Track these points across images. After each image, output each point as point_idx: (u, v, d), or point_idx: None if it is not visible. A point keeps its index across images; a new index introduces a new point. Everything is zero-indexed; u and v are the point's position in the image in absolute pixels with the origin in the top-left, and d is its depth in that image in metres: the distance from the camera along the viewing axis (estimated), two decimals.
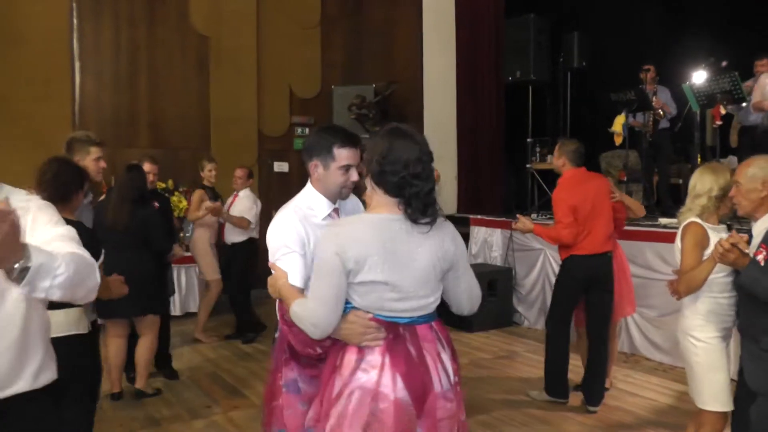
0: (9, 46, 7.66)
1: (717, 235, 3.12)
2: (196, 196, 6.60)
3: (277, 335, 2.53)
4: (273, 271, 2.34)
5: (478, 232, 8.39)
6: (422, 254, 2.13)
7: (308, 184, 2.55)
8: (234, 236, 6.69)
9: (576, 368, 5.11)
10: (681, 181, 8.07)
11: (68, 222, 2.05)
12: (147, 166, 5.30)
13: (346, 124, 9.55)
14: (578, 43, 8.87)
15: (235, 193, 6.81)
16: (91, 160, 3.62)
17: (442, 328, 2.25)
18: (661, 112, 7.47)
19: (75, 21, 8.21)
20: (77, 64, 8.24)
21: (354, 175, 2.45)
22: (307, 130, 9.84)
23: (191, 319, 7.20)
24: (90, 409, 3.38)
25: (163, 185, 7.81)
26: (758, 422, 2.78)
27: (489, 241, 8.16)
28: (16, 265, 1.56)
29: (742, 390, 2.96)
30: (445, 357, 2.19)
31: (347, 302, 2.13)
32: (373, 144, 2.19)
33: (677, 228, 3.36)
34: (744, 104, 6.63)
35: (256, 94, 9.38)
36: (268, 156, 9.46)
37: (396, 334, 2.12)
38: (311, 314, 2.09)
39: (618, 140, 7.97)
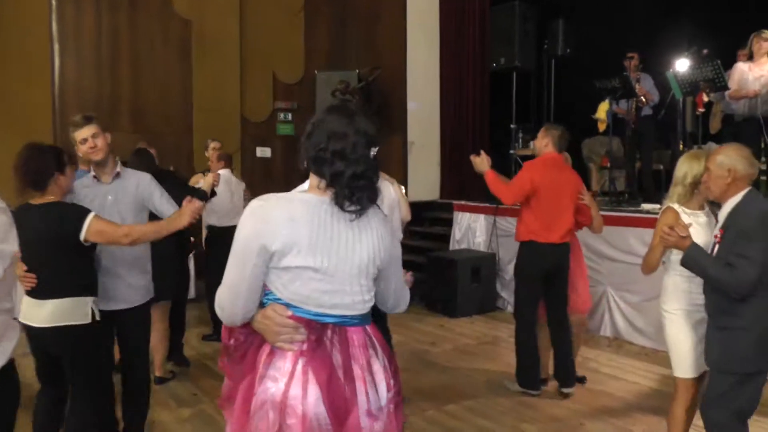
0: None
1: (694, 219, 3.27)
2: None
3: None
4: None
5: (461, 218, 8.42)
6: (361, 246, 1.91)
7: None
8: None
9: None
10: (662, 167, 8.15)
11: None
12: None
13: None
14: (563, 31, 8.87)
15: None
16: (78, 144, 3.57)
17: (377, 333, 2.02)
18: (644, 99, 7.52)
19: (54, 3, 8.08)
20: (56, 48, 8.12)
21: None
22: (290, 116, 9.79)
23: None
24: (100, 400, 3.40)
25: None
26: (707, 393, 3.06)
27: (473, 227, 8.20)
28: None
29: None
30: (378, 368, 1.94)
31: (268, 292, 1.91)
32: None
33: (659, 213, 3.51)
34: (727, 93, 6.69)
35: (239, 80, 9.32)
36: (251, 141, 9.42)
37: (319, 336, 1.87)
38: (218, 296, 1.90)
39: (602, 127, 8.02)
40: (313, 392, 1.81)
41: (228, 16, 9.17)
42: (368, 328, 1.98)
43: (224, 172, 6.40)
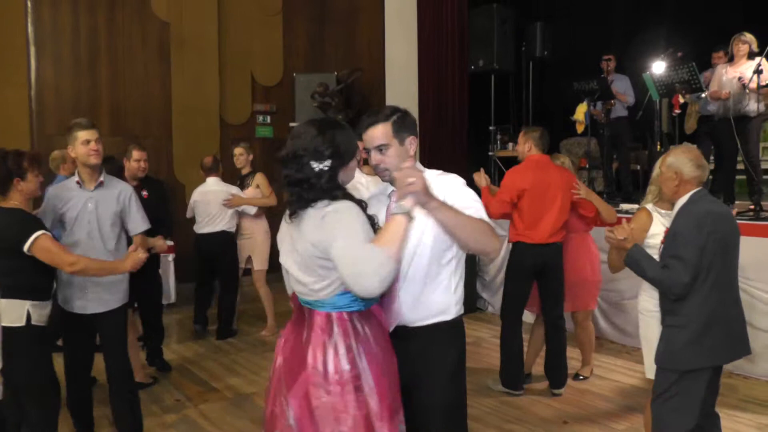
0: None
1: (667, 219, 3.27)
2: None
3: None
4: None
5: None
6: (300, 240, 2.18)
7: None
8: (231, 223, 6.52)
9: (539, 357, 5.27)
10: (639, 168, 8.26)
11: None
12: (136, 154, 5.18)
13: (309, 113, 9.51)
14: (540, 33, 8.96)
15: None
16: (79, 144, 3.58)
17: (343, 322, 2.17)
18: (612, 101, 7.62)
19: (30, 4, 7.97)
20: (33, 50, 8.01)
21: (375, 158, 2.43)
22: (268, 119, 9.76)
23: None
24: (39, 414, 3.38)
25: None
26: (653, 388, 3.08)
27: None
28: None
29: None
30: (330, 354, 2.14)
31: None
32: None
33: None
34: (703, 94, 6.81)
35: (218, 82, 9.25)
36: (231, 144, 9.34)
37: (300, 312, 2.28)
38: (387, 268, 2.08)
39: (580, 128, 8.11)
40: (280, 351, 2.30)
41: (206, 18, 9.10)
42: (336, 315, 2.18)
43: (212, 180, 6.45)
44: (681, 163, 3.03)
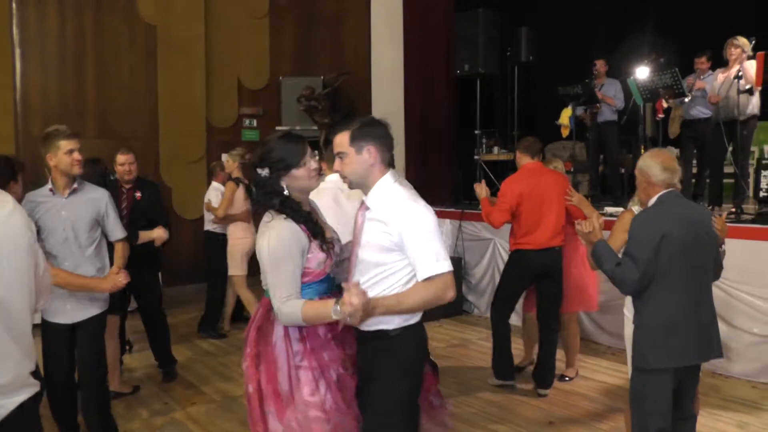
0: None
1: None
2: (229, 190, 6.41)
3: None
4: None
5: None
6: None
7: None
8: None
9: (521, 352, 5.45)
10: (623, 171, 8.35)
11: None
12: (120, 158, 5.10)
13: (296, 116, 9.54)
14: (526, 38, 9.02)
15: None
16: (63, 154, 3.54)
17: (264, 309, 2.62)
18: (598, 105, 7.71)
19: (14, 6, 7.94)
20: (18, 52, 7.97)
21: (336, 164, 2.60)
22: (255, 122, 9.77)
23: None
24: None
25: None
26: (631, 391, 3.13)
27: None
28: None
29: None
30: (270, 341, 2.56)
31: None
32: None
33: None
34: (686, 99, 6.92)
35: (205, 85, 9.26)
36: (217, 147, 9.36)
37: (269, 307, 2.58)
38: None
39: (565, 132, 8.19)
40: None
41: (193, 22, 9.11)
42: (265, 301, 2.60)
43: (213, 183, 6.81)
44: (648, 166, 3.12)
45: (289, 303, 2.39)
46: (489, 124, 9.66)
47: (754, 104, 6.50)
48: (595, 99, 7.52)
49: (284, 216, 2.47)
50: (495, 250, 7.26)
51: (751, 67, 6.21)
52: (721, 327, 4.59)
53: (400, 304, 2.40)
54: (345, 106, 9.78)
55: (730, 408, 4.59)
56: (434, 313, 7.23)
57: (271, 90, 9.86)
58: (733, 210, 6.06)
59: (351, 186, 2.59)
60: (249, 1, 9.64)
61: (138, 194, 5.09)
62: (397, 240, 2.38)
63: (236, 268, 6.49)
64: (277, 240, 2.40)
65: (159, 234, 4.81)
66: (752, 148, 7.31)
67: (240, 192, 6.38)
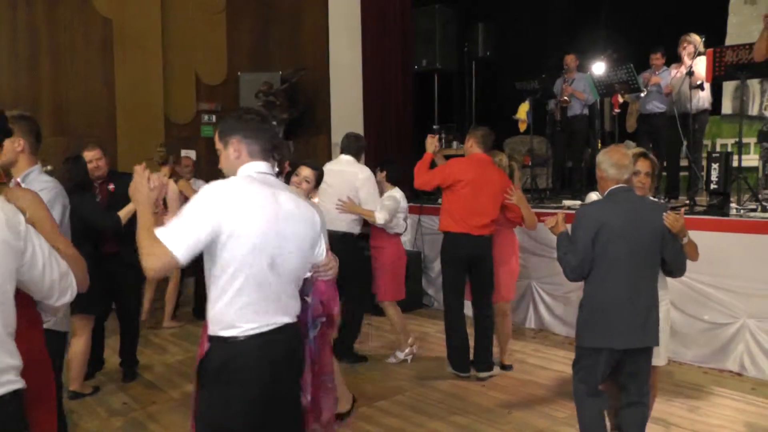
0: None
1: None
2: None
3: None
4: None
5: None
6: None
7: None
8: None
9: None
10: (583, 165, 8.48)
11: None
12: (87, 155, 4.90)
13: None
14: (483, 34, 9.11)
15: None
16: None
17: None
18: (567, 99, 7.82)
19: None
20: None
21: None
22: (213, 118, 9.68)
23: None
24: None
25: None
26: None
27: None
28: None
29: None
30: None
31: None
32: None
33: None
34: (642, 94, 7.10)
35: (162, 81, 9.13)
36: (176, 143, 9.24)
37: None
38: None
39: (522, 127, 8.27)
40: None
41: (149, 16, 8.98)
42: None
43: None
44: (600, 161, 3.37)
45: None
46: (447, 119, 9.74)
47: (704, 99, 6.71)
48: (551, 94, 7.64)
49: None
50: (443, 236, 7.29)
51: (702, 62, 6.40)
52: (675, 315, 4.79)
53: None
54: (303, 102, 9.76)
55: (683, 393, 4.73)
56: None
57: (229, 85, 9.78)
58: (686, 202, 6.23)
59: None
60: None
61: (111, 186, 5.01)
62: None
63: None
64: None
65: (132, 207, 4.73)
66: (704, 142, 7.53)
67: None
